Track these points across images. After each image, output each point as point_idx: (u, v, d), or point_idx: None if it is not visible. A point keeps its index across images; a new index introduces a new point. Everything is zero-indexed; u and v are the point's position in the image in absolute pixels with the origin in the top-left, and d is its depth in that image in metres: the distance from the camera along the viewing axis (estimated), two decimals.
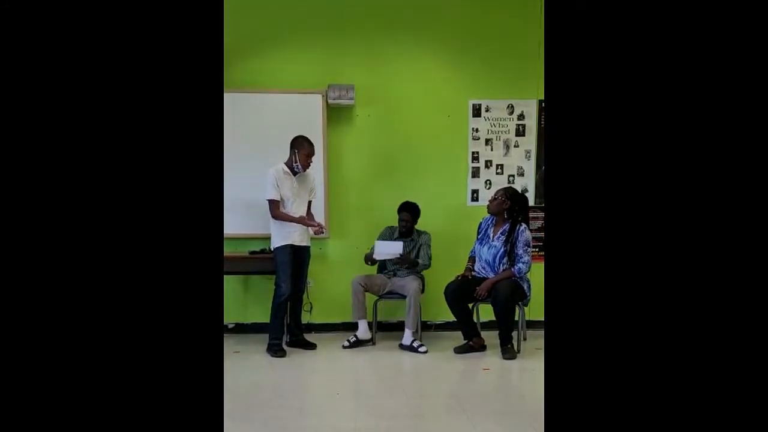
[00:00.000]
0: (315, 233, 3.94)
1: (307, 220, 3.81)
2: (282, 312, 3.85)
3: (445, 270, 4.17)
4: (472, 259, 4.08)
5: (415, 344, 3.93)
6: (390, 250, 4.00)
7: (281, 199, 3.75)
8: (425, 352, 3.87)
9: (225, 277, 3.92)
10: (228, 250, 4.03)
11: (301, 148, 3.74)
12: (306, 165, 3.78)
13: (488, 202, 3.91)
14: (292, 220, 3.76)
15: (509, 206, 3.81)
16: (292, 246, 3.78)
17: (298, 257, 3.84)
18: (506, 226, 3.84)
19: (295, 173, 3.80)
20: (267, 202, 3.73)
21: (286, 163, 3.79)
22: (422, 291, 4.11)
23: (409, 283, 3.98)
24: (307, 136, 4.13)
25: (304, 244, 3.89)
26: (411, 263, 4.07)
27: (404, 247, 4.03)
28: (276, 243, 3.78)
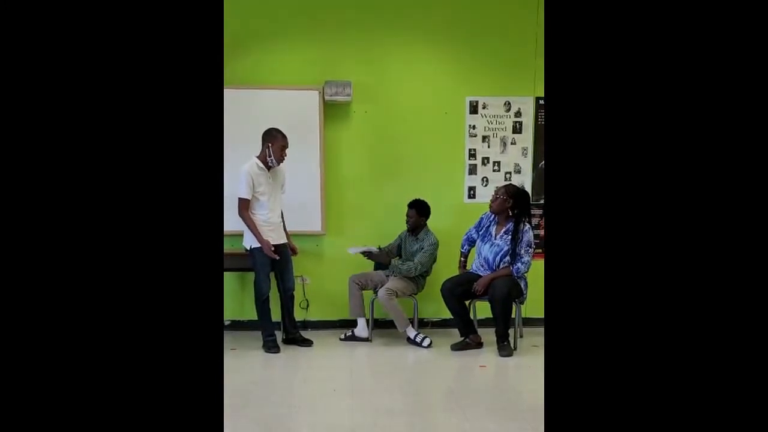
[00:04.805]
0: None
1: (270, 248, 3.70)
2: (267, 310, 3.83)
3: (441, 268, 4.19)
4: (464, 255, 4.12)
5: (418, 338, 3.98)
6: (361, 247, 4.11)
7: (257, 198, 3.69)
8: (428, 346, 3.93)
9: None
10: (225, 247, 4.02)
11: (274, 141, 3.66)
12: (281, 158, 3.71)
13: (490, 203, 3.91)
14: (257, 235, 3.68)
15: (511, 204, 3.81)
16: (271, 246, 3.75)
17: (277, 256, 3.81)
18: (509, 225, 3.84)
19: (269, 168, 3.74)
20: (238, 199, 3.65)
21: (259, 158, 3.71)
22: (414, 292, 4.11)
23: (383, 287, 3.99)
24: (304, 132, 4.16)
25: (281, 241, 3.87)
26: (379, 260, 4.11)
27: (392, 246, 4.23)
28: (253, 243, 3.73)
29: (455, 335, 4.00)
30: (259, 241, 3.69)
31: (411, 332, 4.01)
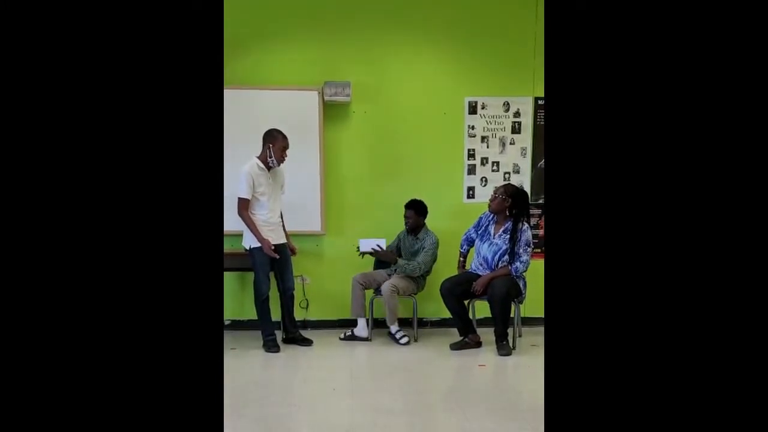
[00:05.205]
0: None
1: (270, 247, 3.70)
2: (266, 310, 3.83)
3: (441, 268, 4.20)
4: (463, 255, 4.14)
5: (398, 335, 4.06)
6: (372, 243, 4.09)
7: (257, 198, 3.70)
8: (406, 343, 4.00)
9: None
10: (225, 247, 4.02)
11: (275, 142, 3.67)
12: (281, 159, 3.72)
13: (489, 202, 3.92)
14: (257, 234, 3.68)
15: (510, 204, 3.82)
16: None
17: (277, 255, 3.80)
18: (508, 224, 3.85)
19: (269, 168, 3.74)
20: (237, 199, 3.66)
21: (259, 158, 3.71)
22: (414, 292, 4.14)
23: (386, 282, 4.03)
24: (304, 133, 4.17)
25: (280, 241, 3.87)
26: (387, 259, 4.11)
27: (392, 246, 4.23)
28: (252, 243, 3.73)
29: (454, 335, 4.01)
30: (259, 241, 3.69)
31: (393, 328, 4.08)
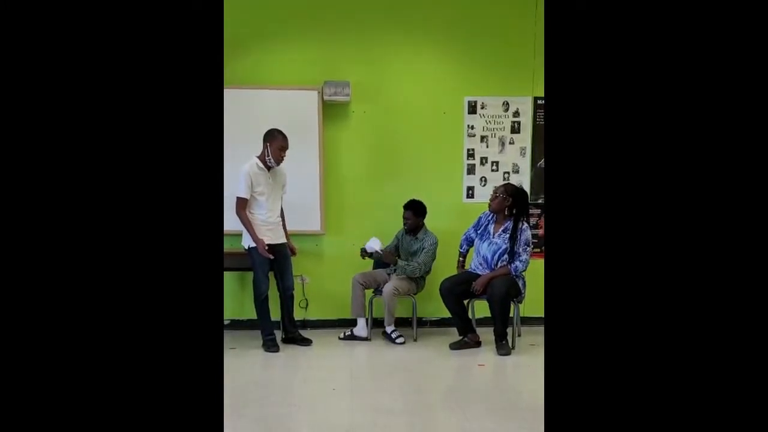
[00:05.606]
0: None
1: (263, 248, 3.69)
2: (265, 309, 3.83)
3: (440, 267, 4.20)
4: (462, 255, 4.14)
5: (394, 335, 4.08)
6: (376, 245, 4.09)
7: (256, 198, 3.70)
8: (402, 342, 4.02)
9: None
10: (225, 247, 4.02)
11: (273, 141, 3.67)
12: (279, 159, 3.71)
13: (489, 201, 3.92)
14: (252, 234, 3.68)
15: (510, 203, 3.83)
16: (268, 245, 3.74)
17: (275, 255, 3.79)
18: (508, 224, 3.85)
19: (268, 168, 3.74)
20: (236, 198, 3.66)
21: (259, 158, 3.72)
22: (414, 292, 4.14)
23: (388, 284, 4.05)
24: (304, 133, 4.17)
25: (279, 241, 3.87)
26: (387, 260, 4.12)
27: (391, 246, 4.25)
28: (251, 242, 3.73)
29: (454, 334, 4.01)
30: (254, 240, 3.69)
31: (390, 328, 4.11)
